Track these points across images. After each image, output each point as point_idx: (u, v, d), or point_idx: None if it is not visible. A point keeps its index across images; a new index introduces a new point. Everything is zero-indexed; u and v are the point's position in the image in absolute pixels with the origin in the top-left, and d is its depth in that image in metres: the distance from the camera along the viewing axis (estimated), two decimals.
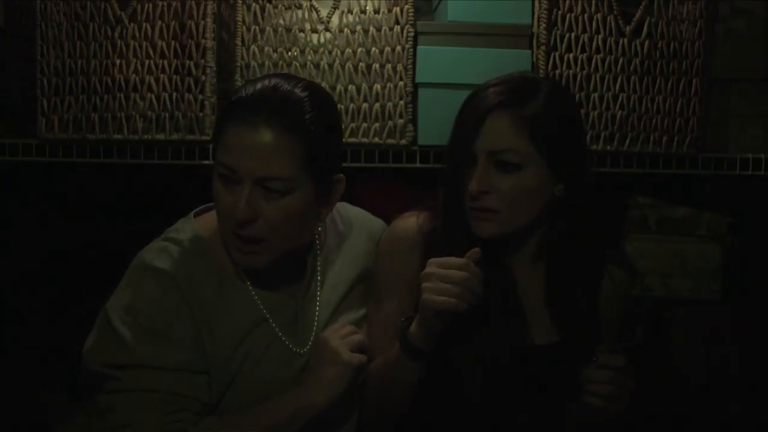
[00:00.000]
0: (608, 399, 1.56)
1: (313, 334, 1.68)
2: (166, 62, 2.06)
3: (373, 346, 1.72)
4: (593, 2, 2.10)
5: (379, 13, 2.08)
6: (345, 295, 1.74)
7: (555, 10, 2.09)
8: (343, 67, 2.08)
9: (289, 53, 2.08)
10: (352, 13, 2.08)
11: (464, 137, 1.65)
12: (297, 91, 1.60)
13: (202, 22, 2.05)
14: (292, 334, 1.66)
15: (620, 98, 2.12)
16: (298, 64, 2.08)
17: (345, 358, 1.61)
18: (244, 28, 2.08)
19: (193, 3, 2.05)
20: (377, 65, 2.09)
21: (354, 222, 1.83)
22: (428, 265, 1.57)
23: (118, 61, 2.07)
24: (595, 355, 1.56)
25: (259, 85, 1.60)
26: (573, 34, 2.10)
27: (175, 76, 2.06)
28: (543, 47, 2.08)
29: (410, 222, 1.74)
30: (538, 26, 2.09)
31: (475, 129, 1.63)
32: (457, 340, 1.61)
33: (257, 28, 2.08)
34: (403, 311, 1.68)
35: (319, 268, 1.73)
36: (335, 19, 2.08)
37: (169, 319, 1.57)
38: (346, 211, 1.84)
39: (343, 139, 2.08)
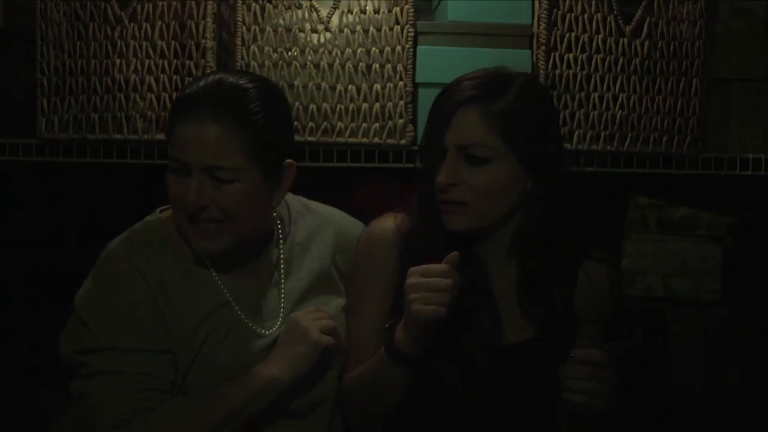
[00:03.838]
0: (590, 395, 1.55)
1: (279, 320, 1.71)
2: (166, 62, 2.06)
3: (355, 346, 1.74)
4: (593, 2, 2.10)
5: (379, 13, 2.08)
6: (310, 285, 1.77)
7: (555, 10, 2.09)
8: (343, 67, 2.08)
9: (289, 53, 2.09)
10: (352, 13, 2.08)
11: (435, 131, 1.67)
12: (241, 82, 1.66)
13: (202, 22, 2.05)
14: (255, 318, 1.70)
15: (620, 98, 2.12)
16: (298, 64, 2.08)
17: (314, 338, 1.65)
18: (244, 28, 2.08)
19: (193, 3, 2.05)
20: (377, 65, 2.09)
21: (324, 217, 1.86)
22: (410, 275, 1.57)
23: (118, 61, 2.07)
24: (572, 352, 1.55)
25: (203, 81, 1.66)
26: (573, 34, 2.10)
27: (175, 76, 2.06)
28: (543, 47, 2.09)
29: (388, 223, 1.75)
30: (538, 26, 2.09)
31: (445, 123, 1.65)
32: (433, 340, 1.62)
33: (257, 28, 2.08)
34: (383, 312, 1.69)
35: (282, 257, 1.76)
36: (335, 19, 2.08)
37: (131, 302, 1.63)
38: (318, 207, 1.87)
39: (336, 138, 2.09)
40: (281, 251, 1.76)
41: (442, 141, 1.66)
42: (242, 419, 1.63)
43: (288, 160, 1.69)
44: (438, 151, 1.66)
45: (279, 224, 1.78)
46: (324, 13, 2.08)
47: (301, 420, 1.71)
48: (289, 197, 1.84)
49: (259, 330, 1.70)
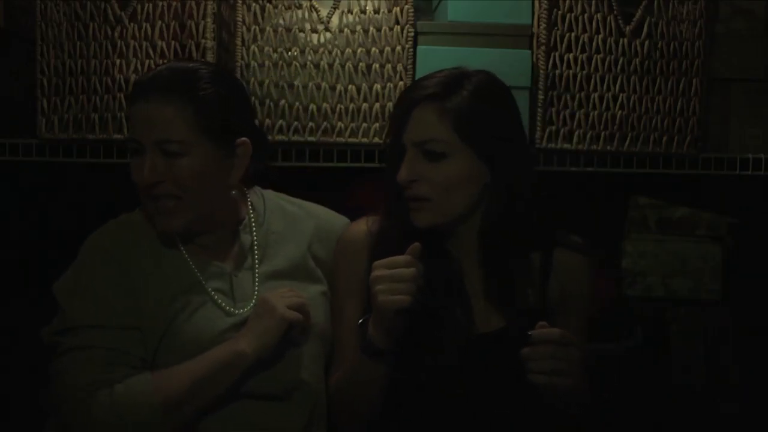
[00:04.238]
0: (552, 374, 1.54)
1: (252, 302, 1.75)
2: (166, 62, 2.06)
3: (340, 348, 1.77)
4: (593, 2, 2.10)
5: (379, 13, 2.08)
6: (285, 270, 1.81)
7: (555, 10, 2.09)
8: (343, 67, 2.09)
9: (289, 53, 2.09)
10: (352, 13, 2.08)
11: (395, 131, 1.72)
12: (189, 65, 1.78)
13: (202, 22, 2.05)
14: (227, 298, 1.74)
15: (620, 98, 2.12)
16: (298, 64, 2.08)
17: (280, 312, 1.68)
18: (244, 28, 2.08)
19: (193, 3, 2.05)
20: (377, 65, 2.09)
21: (306, 210, 1.90)
22: (374, 268, 1.61)
23: (118, 61, 2.07)
24: (529, 334, 1.56)
25: (154, 69, 1.78)
26: (573, 34, 2.10)
27: None
28: (543, 47, 2.09)
29: (360, 226, 1.80)
30: (538, 26, 2.10)
31: (403, 122, 1.70)
32: (405, 333, 1.64)
33: (257, 28, 2.08)
34: (362, 313, 1.71)
35: (257, 243, 1.80)
36: (335, 19, 2.08)
37: (100, 282, 1.69)
38: (302, 202, 1.92)
39: (336, 138, 2.09)
40: (255, 237, 1.80)
41: (401, 140, 1.70)
42: (209, 393, 1.66)
43: (242, 138, 1.74)
44: (398, 151, 1.71)
45: (252, 211, 1.83)
46: (324, 13, 2.08)
47: (279, 404, 1.72)
48: (269, 192, 1.90)
49: (230, 309, 1.73)
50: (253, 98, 2.08)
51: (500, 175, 1.70)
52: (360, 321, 1.68)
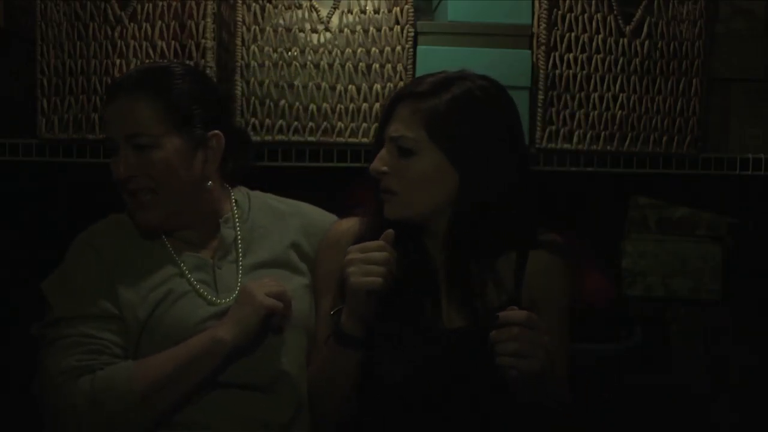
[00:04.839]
0: (518, 356, 1.53)
1: (235, 293, 1.76)
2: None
3: (318, 342, 1.79)
4: (593, 2, 2.10)
5: (379, 13, 2.08)
6: (268, 262, 1.82)
7: (555, 10, 2.09)
8: (343, 67, 2.09)
9: (289, 53, 2.09)
10: (352, 13, 2.08)
11: (381, 124, 1.76)
12: (159, 64, 1.88)
13: (202, 22, 2.05)
14: (209, 288, 1.76)
15: (620, 98, 2.12)
16: (298, 64, 2.08)
17: (258, 299, 1.70)
18: (244, 28, 2.08)
19: (193, 3, 2.05)
20: (377, 65, 2.09)
21: (294, 207, 1.92)
22: (348, 253, 1.65)
23: (118, 61, 2.07)
24: (496, 316, 1.56)
25: (125, 73, 1.87)
26: (573, 34, 2.10)
27: None
28: (543, 47, 2.09)
29: (344, 224, 1.83)
30: (538, 26, 2.10)
31: (386, 117, 1.73)
32: (375, 324, 1.67)
33: (257, 28, 2.08)
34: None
35: (241, 237, 1.82)
36: (335, 19, 2.08)
37: (82, 275, 1.73)
38: (291, 201, 1.94)
39: (336, 138, 2.10)
40: (238, 231, 1.82)
41: (382, 134, 1.73)
42: (189, 381, 1.67)
43: (214, 131, 1.77)
44: (380, 145, 1.74)
45: (236, 207, 1.85)
46: (324, 13, 2.08)
47: (262, 395, 1.73)
48: (256, 192, 1.92)
49: (212, 299, 1.75)
50: (252, 98, 2.09)
51: (469, 180, 1.70)
52: (333, 311, 1.71)
